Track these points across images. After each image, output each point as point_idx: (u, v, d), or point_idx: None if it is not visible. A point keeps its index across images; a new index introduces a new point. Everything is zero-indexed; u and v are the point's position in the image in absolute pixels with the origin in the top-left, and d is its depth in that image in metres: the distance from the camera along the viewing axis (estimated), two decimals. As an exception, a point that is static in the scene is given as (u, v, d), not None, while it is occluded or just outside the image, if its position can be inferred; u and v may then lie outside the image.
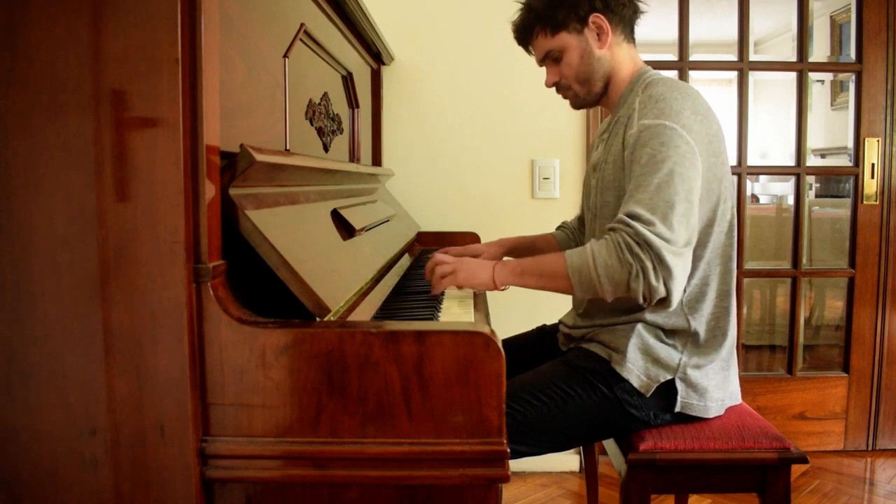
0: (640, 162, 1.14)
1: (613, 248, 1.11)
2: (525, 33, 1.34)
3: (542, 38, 1.31)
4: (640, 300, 1.12)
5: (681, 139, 1.13)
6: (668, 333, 1.24)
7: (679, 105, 1.17)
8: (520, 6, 1.35)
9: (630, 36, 1.33)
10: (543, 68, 1.38)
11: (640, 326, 1.23)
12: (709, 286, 1.25)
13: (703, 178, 1.18)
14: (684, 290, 1.23)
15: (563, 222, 1.71)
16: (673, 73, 2.47)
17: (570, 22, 1.27)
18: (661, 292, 1.10)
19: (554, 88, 1.39)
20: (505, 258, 1.28)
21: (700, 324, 1.24)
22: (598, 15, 1.26)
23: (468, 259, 1.31)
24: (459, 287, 1.30)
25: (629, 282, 1.10)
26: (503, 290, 1.27)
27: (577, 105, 1.39)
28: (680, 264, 1.11)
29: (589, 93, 1.34)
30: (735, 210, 1.27)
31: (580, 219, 1.66)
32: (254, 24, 1.03)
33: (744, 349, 2.75)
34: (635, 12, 1.33)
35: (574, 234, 1.65)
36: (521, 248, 1.63)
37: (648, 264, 1.08)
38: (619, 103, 1.32)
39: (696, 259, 1.22)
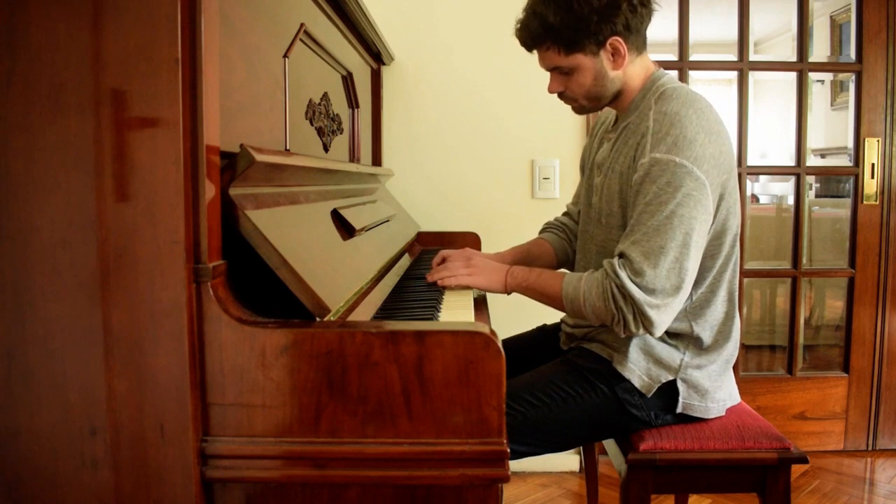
0: (646, 198, 1.14)
1: (601, 293, 1.16)
2: (535, 42, 1.25)
3: (554, 53, 1.23)
4: (621, 336, 1.20)
5: (689, 177, 1.12)
6: (671, 336, 1.24)
7: (693, 130, 1.14)
8: (528, 9, 1.24)
9: (643, 45, 1.27)
10: (544, 68, 1.33)
11: (641, 327, 1.23)
12: (715, 294, 1.24)
13: (714, 195, 1.17)
14: (690, 298, 1.23)
15: (549, 222, 1.66)
16: (673, 74, 2.46)
17: (587, 45, 1.20)
18: (641, 334, 1.18)
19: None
20: (514, 266, 1.38)
21: (703, 329, 1.24)
22: (618, 38, 1.20)
23: (481, 262, 1.40)
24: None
25: (612, 325, 1.18)
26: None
27: (580, 113, 1.36)
28: (663, 314, 1.14)
29: (596, 107, 1.32)
30: (739, 220, 1.26)
31: (566, 214, 1.64)
32: (254, 24, 1.03)
33: (744, 349, 2.75)
34: (650, 18, 1.26)
35: (564, 231, 1.61)
36: (520, 260, 1.57)
37: (630, 317, 1.14)
38: (629, 108, 1.28)
39: (705, 270, 1.23)
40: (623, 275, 1.12)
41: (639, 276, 1.12)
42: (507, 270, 1.36)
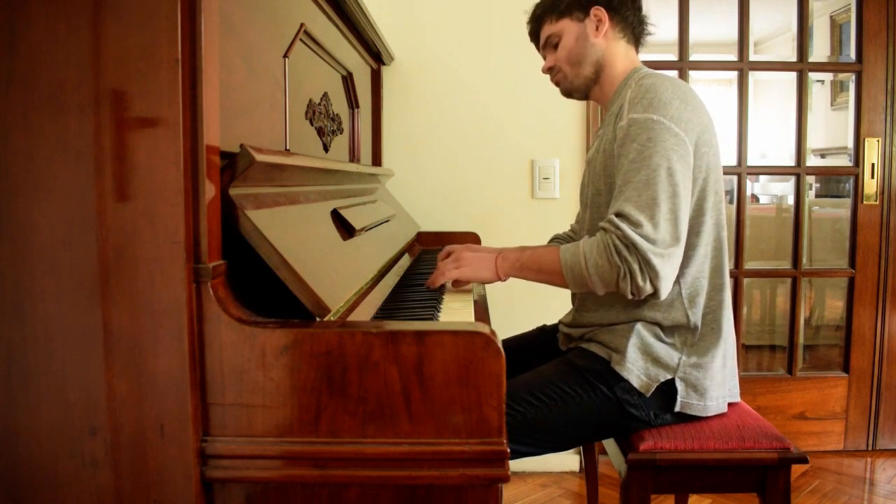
0: (629, 157, 1.18)
1: (603, 249, 1.16)
2: (537, 22, 1.42)
3: (548, 24, 1.39)
4: (629, 297, 1.18)
5: (668, 132, 1.16)
6: (667, 331, 1.25)
7: (669, 95, 1.19)
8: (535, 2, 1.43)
9: (631, 38, 1.38)
10: (541, 49, 1.45)
11: (639, 326, 1.23)
12: (705, 279, 1.26)
13: (694, 166, 1.20)
14: (679, 283, 1.24)
15: (556, 234, 1.68)
16: (673, 73, 2.46)
17: (573, 10, 1.35)
18: (649, 290, 1.16)
19: (549, 77, 1.44)
20: (504, 249, 1.38)
21: (698, 318, 1.25)
22: (600, 8, 1.33)
23: (469, 255, 1.39)
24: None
25: (618, 281, 1.16)
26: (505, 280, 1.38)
27: (566, 91, 1.43)
28: (667, 264, 1.15)
29: (577, 76, 1.38)
30: (723, 206, 1.29)
31: (572, 229, 1.67)
32: (254, 24, 1.03)
33: (744, 349, 2.75)
34: (640, 23, 1.38)
35: (571, 240, 1.62)
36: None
37: (636, 266, 1.14)
38: (613, 98, 1.36)
39: (692, 248, 1.24)
40: (624, 225, 1.14)
41: (638, 227, 1.14)
42: (497, 255, 1.36)
